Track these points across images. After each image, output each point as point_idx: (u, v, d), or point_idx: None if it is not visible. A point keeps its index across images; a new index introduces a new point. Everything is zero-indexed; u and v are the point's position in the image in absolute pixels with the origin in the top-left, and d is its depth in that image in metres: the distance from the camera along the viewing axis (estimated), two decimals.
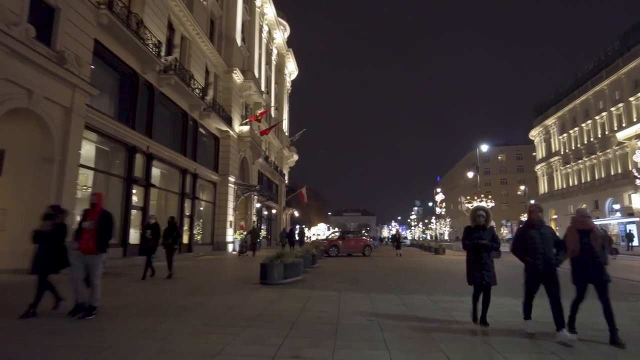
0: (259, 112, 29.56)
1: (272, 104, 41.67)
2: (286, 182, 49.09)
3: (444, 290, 8.95)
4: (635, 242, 31.42)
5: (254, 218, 31.56)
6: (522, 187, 52.16)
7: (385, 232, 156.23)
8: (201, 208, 24.58)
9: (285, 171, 49.22)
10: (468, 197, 27.24)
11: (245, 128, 28.08)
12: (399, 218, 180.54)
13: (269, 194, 34.67)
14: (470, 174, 29.85)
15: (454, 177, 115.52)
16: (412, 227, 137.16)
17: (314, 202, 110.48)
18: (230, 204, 26.00)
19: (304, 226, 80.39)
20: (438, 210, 44.80)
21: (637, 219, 35.24)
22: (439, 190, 47.69)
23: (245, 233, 21.06)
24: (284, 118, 48.26)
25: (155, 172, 18.68)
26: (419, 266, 16.32)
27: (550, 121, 58.54)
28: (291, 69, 52.56)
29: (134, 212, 16.27)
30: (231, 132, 26.04)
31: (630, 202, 40.68)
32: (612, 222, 42.53)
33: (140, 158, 16.61)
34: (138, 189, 16.65)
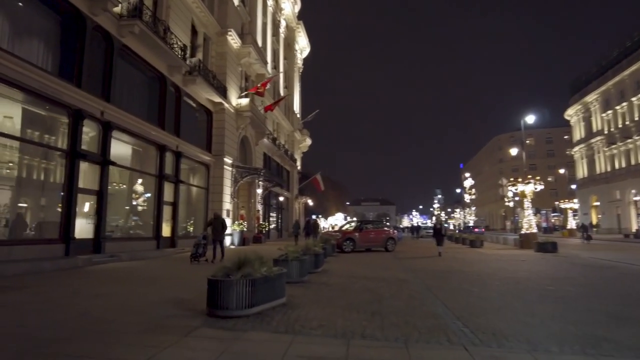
0: (261, 83, 25.35)
1: (281, 79, 37.44)
2: (299, 168, 45.00)
3: (551, 331, 4.67)
4: None
5: (259, 207, 27.62)
6: (562, 171, 46.63)
7: (406, 222, 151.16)
8: (192, 194, 20.76)
9: (298, 156, 45.08)
10: (511, 179, 22.51)
11: (245, 101, 23.96)
12: (420, 207, 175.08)
13: (276, 180, 30.64)
14: (513, 151, 25.08)
15: (478, 164, 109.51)
16: (434, 217, 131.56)
17: (331, 191, 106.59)
18: (227, 190, 22.05)
19: (319, 216, 76.53)
20: (467, 197, 39.92)
21: None
22: (467, 175, 42.72)
23: (208, 221, 13.94)
24: (294, 97, 44.04)
25: (121, 147, 14.78)
26: (465, 267, 11.97)
27: (591, 97, 52.44)
28: (302, 45, 48.07)
29: (82, 196, 12.42)
30: (226, 105, 21.96)
31: None
32: None
33: (91, 126, 12.70)
34: (90, 167, 12.78)
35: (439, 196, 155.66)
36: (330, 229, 27.42)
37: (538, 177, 22.08)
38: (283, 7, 39.41)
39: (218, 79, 21.43)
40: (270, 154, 32.65)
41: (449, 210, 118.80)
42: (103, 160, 12.96)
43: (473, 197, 38.33)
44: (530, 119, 22.48)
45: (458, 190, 69.28)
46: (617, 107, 46.88)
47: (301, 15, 45.97)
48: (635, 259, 14.93)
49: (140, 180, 16.11)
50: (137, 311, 5.36)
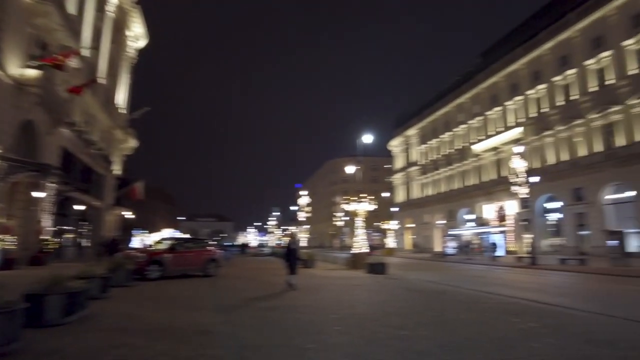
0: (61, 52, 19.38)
1: (105, 64, 30.73)
2: (118, 172, 37.85)
3: None
4: (498, 252, 30.78)
5: (45, 217, 20.91)
6: (385, 194, 51.04)
7: (242, 239, 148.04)
8: None
9: (118, 159, 37.94)
10: (345, 197, 22.03)
11: (32, 72, 17.80)
12: (258, 224, 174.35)
13: (76, 183, 24.14)
14: (349, 169, 24.93)
15: (314, 186, 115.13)
16: (270, 234, 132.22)
17: (163, 205, 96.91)
18: None
19: (145, 231, 67.44)
20: (303, 215, 39.52)
21: (497, 229, 35.48)
22: (303, 193, 42.63)
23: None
24: (119, 89, 37.21)
25: None
26: (295, 300, 9.58)
27: (411, 132, 59.54)
28: (138, 33, 41.45)
29: None
30: None
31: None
32: (464, 232, 42.99)
33: None
34: None
35: (277, 213, 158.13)
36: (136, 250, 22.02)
37: (373, 197, 22.07)
38: None
39: None
40: (73, 151, 25.85)
41: (284, 228, 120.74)
42: None
43: (309, 215, 37.96)
44: (367, 138, 22.54)
45: (292, 208, 69.90)
46: (430, 143, 54.04)
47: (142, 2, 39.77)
48: (453, 280, 15.64)
49: None
50: None
